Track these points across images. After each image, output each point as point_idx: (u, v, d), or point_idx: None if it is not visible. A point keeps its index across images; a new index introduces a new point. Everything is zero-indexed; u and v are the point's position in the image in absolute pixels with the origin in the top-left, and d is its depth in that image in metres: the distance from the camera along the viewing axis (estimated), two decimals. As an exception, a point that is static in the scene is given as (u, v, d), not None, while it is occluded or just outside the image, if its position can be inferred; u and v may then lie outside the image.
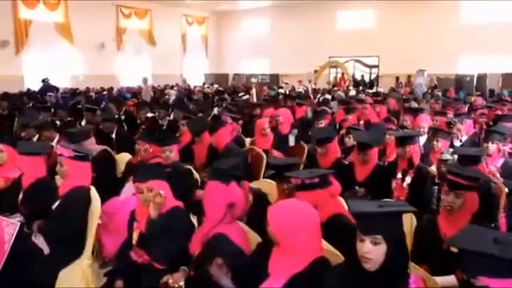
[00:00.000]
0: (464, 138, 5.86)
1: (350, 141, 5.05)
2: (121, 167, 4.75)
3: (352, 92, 14.30)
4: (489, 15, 18.29)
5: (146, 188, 2.77)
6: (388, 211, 1.91)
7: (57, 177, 3.57)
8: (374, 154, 4.15)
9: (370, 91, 15.23)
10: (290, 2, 22.52)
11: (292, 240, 2.09)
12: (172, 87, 18.31)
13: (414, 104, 9.88)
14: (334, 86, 19.80)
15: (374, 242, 1.85)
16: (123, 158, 4.80)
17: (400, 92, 15.40)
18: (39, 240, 3.15)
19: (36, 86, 16.60)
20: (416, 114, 6.55)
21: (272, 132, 5.50)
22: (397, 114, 7.68)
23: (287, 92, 14.89)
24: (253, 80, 15.62)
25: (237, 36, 26.22)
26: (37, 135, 5.64)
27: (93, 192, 3.28)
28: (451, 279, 2.44)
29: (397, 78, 19.53)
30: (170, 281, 2.48)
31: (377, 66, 21.79)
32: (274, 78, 22.96)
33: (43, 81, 16.22)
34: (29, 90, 16.13)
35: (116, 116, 7.57)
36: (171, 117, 7.74)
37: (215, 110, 8.40)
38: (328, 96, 12.52)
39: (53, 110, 8.58)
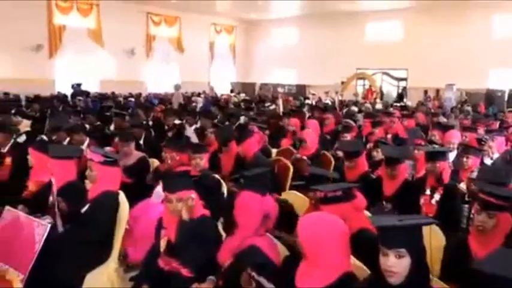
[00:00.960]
0: (496, 155, 5.73)
1: (378, 155, 4.99)
2: (148, 173, 4.81)
3: (379, 106, 14.15)
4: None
5: (176, 198, 2.78)
6: (410, 224, 1.92)
7: (86, 181, 3.63)
8: (403, 169, 4.10)
9: (398, 104, 15.01)
10: (319, 12, 22.48)
11: (320, 254, 2.08)
12: (199, 95, 18.44)
13: (443, 119, 9.74)
14: (364, 98, 19.64)
15: (398, 256, 1.86)
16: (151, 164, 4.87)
17: (428, 105, 15.18)
18: None
19: (66, 90, 16.98)
20: (445, 130, 6.42)
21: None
22: (426, 129, 7.57)
23: (313, 103, 14.84)
24: (280, 89, 15.64)
25: (265, 45, 26.31)
26: (67, 139, 5.76)
27: (122, 197, 3.32)
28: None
29: (426, 92, 19.25)
30: None
31: (405, 79, 21.53)
32: (301, 89, 22.91)
33: (76, 85, 16.60)
34: (59, 93, 16.50)
35: (144, 122, 7.66)
36: (198, 124, 7.79)
37: (241, 119, 8.41)
38: (355, 109, 12.42)
39: (82, 114, 8.78)
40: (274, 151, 5.83)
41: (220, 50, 25.59)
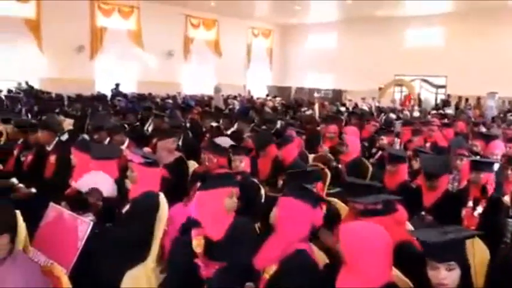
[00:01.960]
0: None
1: (417, 164, 4.90)
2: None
3: (417, 113, 13.89)
4: None
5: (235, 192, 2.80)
6: (459, 238, 1.97)
7: (126, 180, 3.71)
8: (443, 180, 4.00)
9: (439, 112, 14.67)
10: (357, 17, 22.30)
11: (361, 262, 2.05)
12: (235, 98, 18.54)
13: (483, 128, 9.48)
14: (401, 105, 19.32)
15: (449, 269, 1.91)
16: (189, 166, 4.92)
17: (468, 114, 14.81)
18: None
19: (106, 90, 17.41)
20: (488, 140, 6.24)
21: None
22: (465, 139, 7.37)
23: (350, 109, 14.70)
24: (316, 94, 15.59)
25: (302, 49, 26.26)
26: (108, 138, 5.88)
27: (162, 198, 3.36)
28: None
29: (466, 100, 18.78)
30: None
31: (444, 87, 21.07)
32: (337, 94, 22.74)
33: (115, 86, 17.01)
34: (99, 93, 16.92)
35: (182, 124, 7.75)
36: (235, 127, 7.82)
37: (278, 123, 8.42)
38: (393, 116, 12.24)
39: (122, 114, 8.96)
40: (310, 157, 5.80)
41: (257, 54, 25.73)
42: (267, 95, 21.69)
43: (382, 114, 13.66)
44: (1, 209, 2.28)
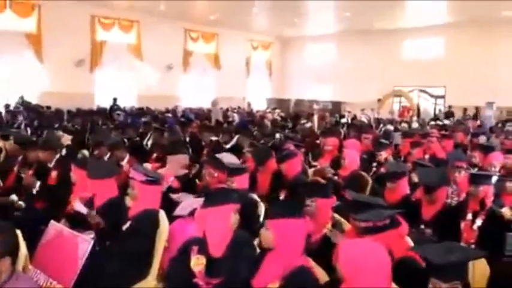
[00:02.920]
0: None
1: (417, 177, 4.91)
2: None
3: (415, 124, 13.94)
4: None
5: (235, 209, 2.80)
6: (465, 260, 2.01)
7: (127, 197, 3.72)
8: (442, 193, 4.02)
9: (438, 123, 14.71)
10: (356, 29, 22.45)
11: (360, 280, 2.06)
12: (235, 111, 18.59)
13: (483, 138, 9.50)
14: (400, 116, 19.38)
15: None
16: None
17: (467, 124, 14.84)
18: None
19: (105, 104, 17.49)
20: (486, 151, 6.26)
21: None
22: (465, 149, 7.39)
23: (349, 121, 14.74)
24: (316, 106, 15.68)
25: (301, 61, 26.40)
26: (108, 154, 5.90)
27: (162, 215, 3.38)
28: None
29: (465, 110, 18.86)
30: None
31: (443, 97, 21.15)
32: (337, 105, 22.82)
33: (113, 101, 17.07)
34: (99, 107, 16.99)
35: (182, 138, 7.78)
36: (234, 140, 7.84)
37: (277, 136, 8.45)
38: (391, 127, 12.27)
39: (121, 128, 8.99)
40: (310, 170, 5.82)
41: (256, 66, 25.83)
42: (267, 108, 21.77)
43: (381, 125, 13.71)
44: (2, 232, 2.28)
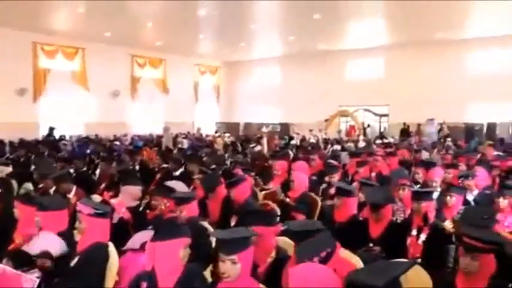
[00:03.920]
0: (475, 192, 5.83)
1: (363, 196, 5.05)
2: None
3: (362, 143, 14.37)
4: (494, 64, 18.68)
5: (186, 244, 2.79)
6: (398, 274, 1.97)
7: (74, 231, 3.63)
8: (387, 211, 4.17)
9: (381, 141, 15.21)
10: (300, 52, 23.05)
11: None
12: (185, 137, 18.45)
13: (426, 154, 9.90)
14: (347, 135, 19.90)
15: None
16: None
17: (410, 141, 15.44)
18: None
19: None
20: (428, 167, 6.53)
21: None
22: (409, 165, 7.67)
23: (298, 142, 14.99)
24: (264, 129, 15.87)
25: (248, 85, 26.74)
26: (54, 187, 5.73)
27: (112, 249, 3.31)
28: None
29: (408, 127, 19.62)
30: None
31: (387, 115, 21.94)
32: (285, 127, 23.16)
33: (49, 129, 16.50)
34: (44, 137, 16.45)
35: (131, 167, 7.67)
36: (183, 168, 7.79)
37: (228, 161, 8.48)
38: (338, 147, 12.58)
39: (68, 159, 8.74)
40: (261, 194, 5.86)
41: (204, 91, 25.95)
42: (216, 132, 21.79)
43: (329, 145, 14.04)
44: None
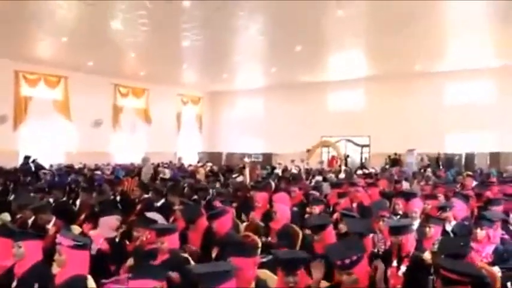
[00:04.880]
0: (453, 223, 5.90)
1: (344, 227, 5.07)
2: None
3: (343, 174, 14.49)
4: (469, 96, 19.18)
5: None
6: None
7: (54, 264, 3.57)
8: (368, 242, 4.20)
9: (361, 172, 15.35)
10: (283, 83, 23.36)
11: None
12: (167, 166, 18.33)
13: (406, 185, 10.00)
14: (328, 165, 20.04)
15: None
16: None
17: (391, 171, 15.60)
18: None
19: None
20: (408, 198, 6.59)
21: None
22: (390, 196, 7.73)
23: (280, 173, 15.03)
24: (247, 159, 15.90)
25: (231, 115, 26.90)
26: (33, 217, 5.63)
27: (91, 282, 3.28)
28: None
29: (389, 157, 19.86)
30: None
31: (368, 146, 22.21)
32: (268, 157, 23.25)
33: (24, 158, 16.15)
34: (23, 166, 16.13)
35: (112, 197, 7.59)
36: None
37: (210, 192, 8.45)
38: (320, 178, 12.65)
39: (47, 188, 8.60)
40: (242, 225, 5.85)
41: (187, 120, 26.00)
42: (198, 162, 21.74)
43: (311, 176, 14.10)
44: None
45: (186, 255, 4.11)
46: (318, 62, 18.74)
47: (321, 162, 20.50)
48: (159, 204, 6.81)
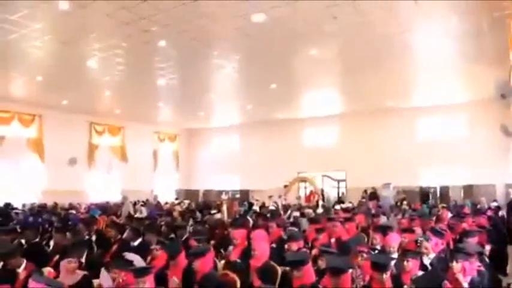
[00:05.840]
0: (432, 255, 5.94)
1: (323, 263, 5.06)
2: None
3: (320, 210, 14.53)
4: (441, 131, 19.72)
5: None
6: None
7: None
8: (347, 278, 4.19)
9: (339, 207, 15.39)
10: (258, 120, 23.57)
11: None
12: (144, 204, 18.09)
13: (384, 219, 10.06)
14: (306, 201, 20.09)
15: None
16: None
17: (368, 205, 15.71)
18: None
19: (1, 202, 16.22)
20: (385, 232, 6.63)
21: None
22: (367, 230, 7.77)
23: (257, 209, 14.97)
24: (224, 196, 15.84)
25: (208, 152, 26.91)
26: (2, 262, 5.41)
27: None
28: None
29: (365, 191, 20.01)
30: None
31: (344, 180, 22.37)
32: (245, 194, 23.19)
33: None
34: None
35: (87, 237, 7.42)
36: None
37: (188, 229, 8.35)
38: (297, 214, 12.65)
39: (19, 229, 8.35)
40: (220, 263, 5.79)
41: (163, 158, 25.83)
42: (176, 199, 21.52)
43: (289, 211, 14.09)
44: None
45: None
46: (292, 99, 19.04)
47: (299, 198, 20.53)
48: (136, 243, 6.69)
